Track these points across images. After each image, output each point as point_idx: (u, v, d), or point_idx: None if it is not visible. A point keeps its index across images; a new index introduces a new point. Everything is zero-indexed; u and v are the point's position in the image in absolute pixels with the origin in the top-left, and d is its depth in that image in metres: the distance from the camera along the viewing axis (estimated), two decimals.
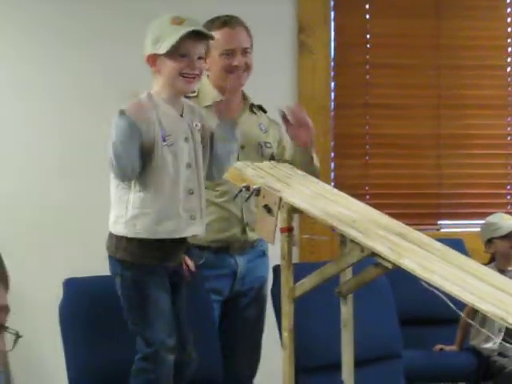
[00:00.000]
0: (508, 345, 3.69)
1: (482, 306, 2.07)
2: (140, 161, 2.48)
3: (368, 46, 4.59)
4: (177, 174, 2.53)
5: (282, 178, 2.68)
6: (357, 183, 4.53)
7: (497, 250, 3.92)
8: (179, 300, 2.64)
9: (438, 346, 3.87)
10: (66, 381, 2.81)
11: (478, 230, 4.04)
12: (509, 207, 4.72)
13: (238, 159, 2.96)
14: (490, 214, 4.08)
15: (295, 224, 2.60)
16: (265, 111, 3.19)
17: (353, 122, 4.59)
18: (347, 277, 2.63)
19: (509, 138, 4.74)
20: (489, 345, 3.77)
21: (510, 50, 4.70)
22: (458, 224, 4.66)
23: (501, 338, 3.72)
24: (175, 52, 2.52)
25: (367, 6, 4.56)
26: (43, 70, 4.15)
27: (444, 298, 2.19)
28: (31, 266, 4.05)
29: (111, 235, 2.59)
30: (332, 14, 4.47)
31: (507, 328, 3.51)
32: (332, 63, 4.48)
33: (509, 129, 4.74)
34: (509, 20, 4.68)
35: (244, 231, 3.05)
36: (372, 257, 2.33)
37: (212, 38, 2.61)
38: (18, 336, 1.34)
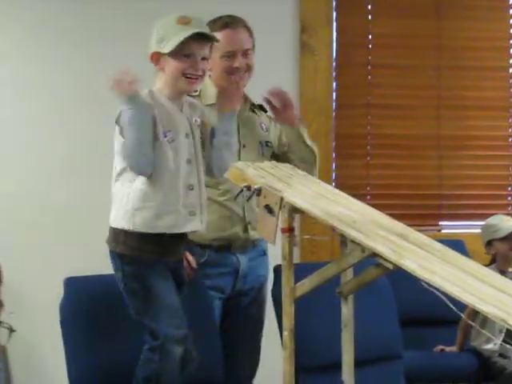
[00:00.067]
0: (508, 346, 3.69)
1: (483, 308, 2.07)
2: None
3: (370, 46, 4.59)
4: (177, 169, 2.55)
5: (283, 178, 2.68)
6: (358, 184, 4.53)
7: (497, 252, 3.92)
8: (179, 299, 2.64)
9: (439, 347, 3.87)
10: (66, 380, 2.81)
11: (479, 231, 4.05)
12: (510, 208, 4.72)
13: (240, 158, 2.98)
14: (491, 215, 4.08)
15: (296, 224, 2.60)
16: (265, 111, 3.19)
17: (354, 123, 4.59)
18: (348, 277, 2.63)
19: (510, 140, 4.75)
20: (489, 346, 3.77)
21: (511, 51, 4.70)
22: (459, 225, 4.67)
23: (501, 339, 3.72)
24: (179, 52, 2.52)
25: (369, 7, 4.56)
26: (46, 69, 4.16)
27: (444, 299, 2.19)
28: (31, 265, 4.05)
29: (111, 229, 2.60)
30: (334, 14, 4.48)
31: (508, 329, 3.51)
32: (334, 63, 4.49)
33: (510, 130, 4.74)
34: (511, 21, 4.69)
35: (246, 230, 3.06)
36: (373, 257, 2.32)
37: (217, 40, 2.62)
38: (11, 330, 1.34)
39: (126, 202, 2.54)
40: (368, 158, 4.59)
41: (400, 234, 2.46)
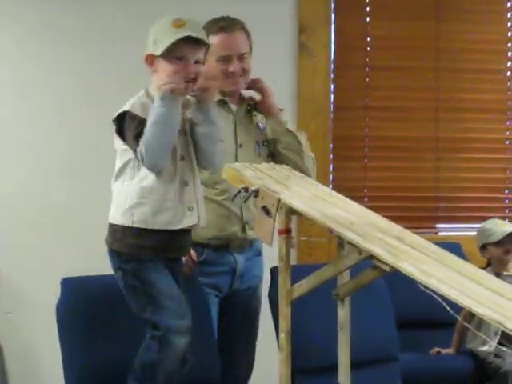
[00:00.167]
0: (504, 348, 3.70)
1: (479, 310, 2.07)
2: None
3: (368, 48, 4.59)
4: (173, 166, 2.58)
5: (281, 180, 2.68)
6: (355, 185, 4.54)
7: (491, 256, 3.93)
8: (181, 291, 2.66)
9: (435, 349, 3.87)
10: (62, 380, 2.81)
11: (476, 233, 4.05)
12: (507, 211, 4.73)
13: (237, 158, 3.01)
14: (488, 218, 4.08)
15: (293, 226, 2.60)
16: None
17: (352, 125, 4.59)
18: (345, 279, 2.63)
19: (507, 143, 4.75)
20: (485, 348, 3.77)
21: (509, 54, 4.71)
22: (456, 227, 4.67)
23: (497, 341, 3.72)
24: (171, 54, 2.54)
25: (368, 9, 4.56)
26: (46, 69, 4.15)
27: (441, 301, 2.19)
28: (31, 265, 4.06)
29: (109, 226, 2.62)
30: (332, 15, 4.48)
31: (503, 331, 3.51)
32: (332, 65, 4.49)
33: (507, 133, 4.74)
34: (509, 24, 4.69)
35: (244, 229, 3.08)
36: (370, 259, 2.33)
37: (208, 45, 2.62)
38: None
39: (125, 199, 2.57)
40: (365, 160, 4.59)
41: (397, 237, 2.46)
